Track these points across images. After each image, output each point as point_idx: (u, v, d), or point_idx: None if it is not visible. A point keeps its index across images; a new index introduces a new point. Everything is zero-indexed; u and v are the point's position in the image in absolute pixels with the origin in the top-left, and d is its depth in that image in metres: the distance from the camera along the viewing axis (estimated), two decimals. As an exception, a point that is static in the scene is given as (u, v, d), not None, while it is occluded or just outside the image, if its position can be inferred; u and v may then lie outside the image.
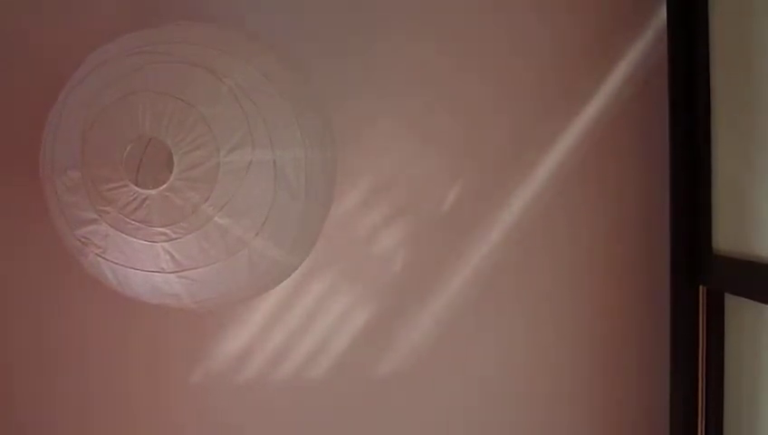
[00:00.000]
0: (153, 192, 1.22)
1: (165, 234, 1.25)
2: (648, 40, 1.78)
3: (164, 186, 1.22)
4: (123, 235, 1.25)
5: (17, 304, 1.86)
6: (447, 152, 1.82)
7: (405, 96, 1.81)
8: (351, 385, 1.85)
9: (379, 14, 1.80)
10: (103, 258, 1.31)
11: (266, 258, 1.35)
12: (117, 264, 1.31)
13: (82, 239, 1.30)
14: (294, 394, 1.86)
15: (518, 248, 1.82)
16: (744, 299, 1.48)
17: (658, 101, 1.71)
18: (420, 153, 1.82)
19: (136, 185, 1.23)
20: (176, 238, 1.25)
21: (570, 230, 1.82)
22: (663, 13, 1.71)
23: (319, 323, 1.84)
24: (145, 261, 1.28)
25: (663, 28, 1.71)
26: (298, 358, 1.85)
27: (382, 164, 1.83)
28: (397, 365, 1.84)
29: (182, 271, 1.29)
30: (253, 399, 1.86)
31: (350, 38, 1.81)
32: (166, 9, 1.75)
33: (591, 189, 1.81)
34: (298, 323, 1.84)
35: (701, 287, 1.60)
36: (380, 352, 1.84)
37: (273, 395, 1.86)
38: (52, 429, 1.88)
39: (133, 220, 1.24)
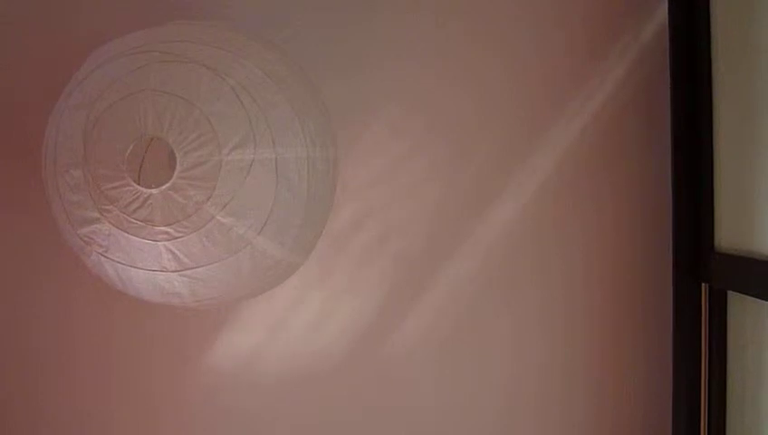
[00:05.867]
0: (155, 191, 1.22)
1: (167, 233, 1.25)
2: (649, 38, 1.78)
3: (166, 185, 1.22)
4: (126, 234, 1.25)
5: (24, 305, 1.87)
6: (454, 141, 1.82)
7: (409, 87, 1.82)
8: (357, 384, 1.86)
9: (376, 17, 1.80)
10: (106, 257, 1.31)
11: (268, 257, 1.36)
12: (119, 263, 1.31)
13: (85, 238, 1.31)
14: (298, 392, 1.86)
15: (520, 248, 1.82)
16: (746, 296, 1.48)
17: (660, 98, 1.71)
18: (425, 145, 1.82)
19: (138, 184, 1.23)
20: (178, 237, 1.25)
21: (572, 229, 1.81)
22: (664, 8, 1.71)
23: (321, 321, 1.84)
24: (147, 260, 1.29)
25: (664, 23, 1.71)
26: (302, 355, 1.85)
27: (382, 161, 1.83)
28: (401, 364, 1.84)
29: (184, 270, 1.29)
30: (252, 397, 1.86)
31: (349, 39, 1.81)
32: (166, 8, 1.75)
33: (594, 189, 1.81)
34: (302, 320, 1.85)
35: (704, 285, 1.60)
36: (384, 351, 1.85)
37: (275, 393, 1.86)
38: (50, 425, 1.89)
39: (135, 219, 1.24)
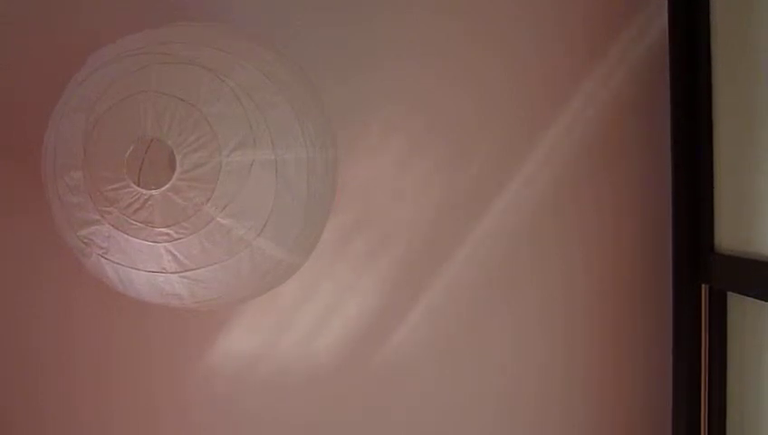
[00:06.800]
0: (155, 193, 1.22)
1: (167, 234, 1.25)
2: (649, 37, 1.78)
3: (166, 186, 1.22)
4: (125, 235, 1.25)
5: (24, 306, 1.87)
6: (454, 141, 1.82)
7: (409, 87, 1.82)
8: (357, 384, 1.86)
9: (376, 18, 1.80)
10: (106, 259, 1.31)
11: (268, 258, 1.36)
12: (119, 264, 1.31)
13: (85, 240, 1.31)
14: (298, 392, 1.86)
15: (520, 248, 1.82)
16: (746, 297, 1.48)
17: (660, 98, 1.71)
18: (425, 145, 1.82)
19: (138, 185, 1.23)
20: (178, 239, 1.25)
21: (572, 229, 1.81)
22: (664, 8, 1.71)
23: (321, 321, 1.85)
24: (147, 261, 1.29)
25: (664, 23, 1.71)
26: (302, 355, 1.86)
27: (382, 161, 1.83)
28: (401, 364, 1.85)
29: (184, 271, 1.29)
30: (252, 397, 1.86)
31: (349, 42, 1.81)
32: (166, 9, 1.75)
33: (594, 189, 1.81)
34: (302, 321, 1.85)
35: (703, 286, 1.60)
36: (384, 351, 1.85)
37: (275, 393, 1.86)
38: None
39: (135, 221, 1.24)
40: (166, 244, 1.26)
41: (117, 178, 1.23)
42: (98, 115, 1.25)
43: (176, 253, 1.27)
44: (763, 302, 1.42)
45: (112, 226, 1.25)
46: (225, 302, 1.51)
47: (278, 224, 1.32)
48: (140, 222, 1.24)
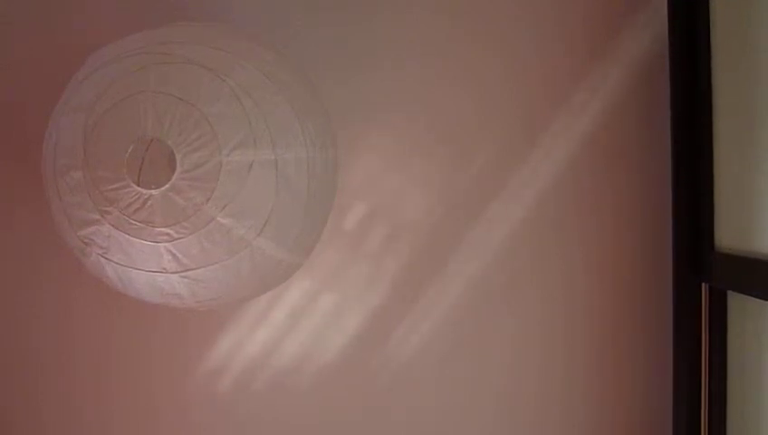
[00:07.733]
0: (155, 192, 1.22)
1: (167, 234, 1.25)
2: (649, 37, 1.78)
3: (166, 186, 1.22)
4: (126, 235, 1.25)
5: (24, 306, 1.87)
6: (454, 141, 1.82)
7: (409, 87, 1.81)
8: (357, 384, 1.86)
9: (376, 17, 1.80)
10: (106, 259, 1.31)
11: (268, 258, 1.36)
12: (119, 264, 1.31)
13: (85, 240, 1.31)
14: (298, 392, 1.86)
15: (521, 248, 1.82)
16: (746, 296, 1.48)
17: (660, 98, 1.71)
18: (425, 146, 1.82)
19: (138, 185, 1.23)
20: (178, 238, 1.25)
21: (572, 229, 1.81)
22: (664, 8, 1.71)
23: (321, 321, 1.85)
24: (147, 261, 1.29)
25: (664, 23, 1.71)
26: (303, 355, 1.86)
27: (383, 161, 1.83)
28: (401, 364, 1.85)
29: (184, 271, 1.29)
30: (252, 398, 1.86)
31: (349, 42, 1.81)
32: (166, 9, 1.75)
33: (594, 188, 1.81)
34: (302, 321, 1.85)
35: (704, 285, 1.60)
36: (383, 352, 1.85)
37: (275, 394, 1.86)
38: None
39: (135, 220, 1.24)
40: (166, 244, 1.26)
41: (117, 177, 1.23)
42: (98, 115, 1.25)
43: (176, 253, 1.27)
44: (763, 301, 1.42)
45: (112, 226, 1.25)
46: (225, 302, 1.51)
47: (278, 224, 1.32)
48: (140, 222, 1.24)
